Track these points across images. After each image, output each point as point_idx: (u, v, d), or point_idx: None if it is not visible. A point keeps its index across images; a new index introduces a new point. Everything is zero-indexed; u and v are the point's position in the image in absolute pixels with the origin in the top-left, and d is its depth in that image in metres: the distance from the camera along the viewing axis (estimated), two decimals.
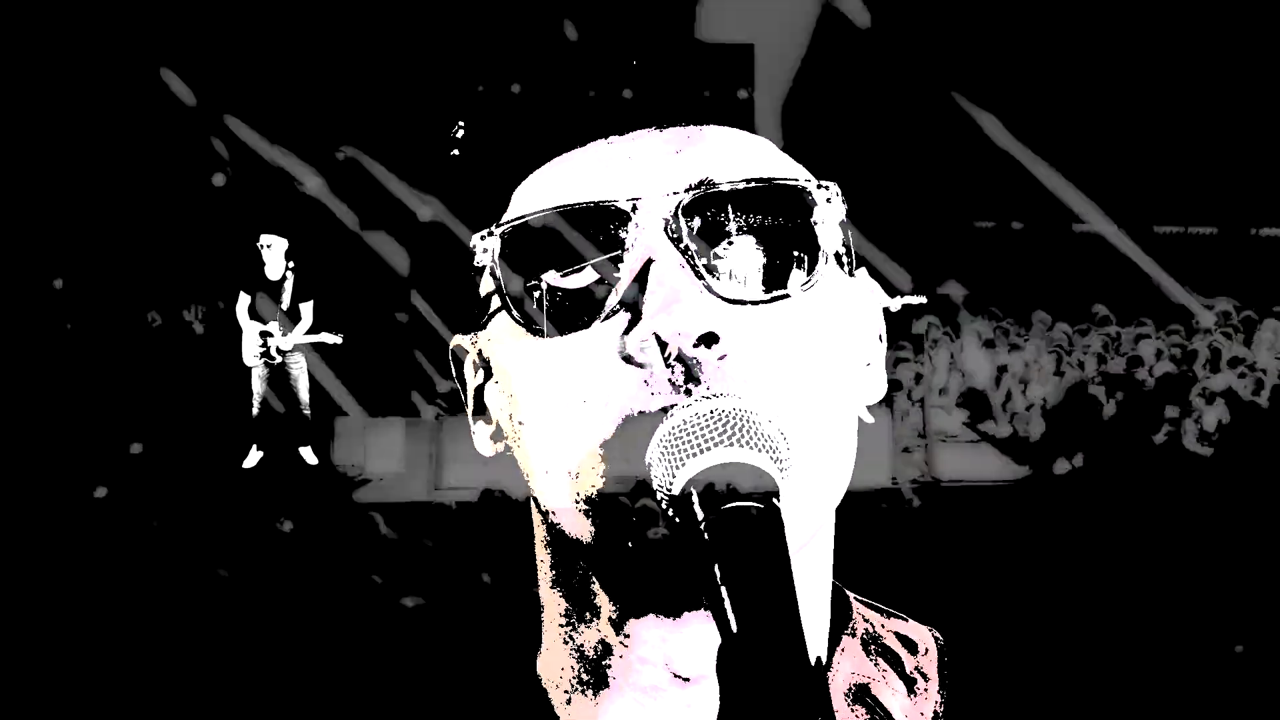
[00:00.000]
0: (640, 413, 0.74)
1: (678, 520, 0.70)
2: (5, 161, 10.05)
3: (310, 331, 9.06)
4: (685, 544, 0.70)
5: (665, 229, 0.76)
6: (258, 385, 9.14)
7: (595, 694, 0.83)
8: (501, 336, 0.81)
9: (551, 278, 0.77)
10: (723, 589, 0.66)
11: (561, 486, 0.78)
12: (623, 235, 0.76)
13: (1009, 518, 8.30)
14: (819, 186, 0.80)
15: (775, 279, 0.77)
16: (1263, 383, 10.20)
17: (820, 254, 0.79)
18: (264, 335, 9.04)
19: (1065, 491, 9.42)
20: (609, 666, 0.82)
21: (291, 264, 9.05)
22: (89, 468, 8.46)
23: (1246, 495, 8.36)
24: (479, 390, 0.88)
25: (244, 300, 9.06)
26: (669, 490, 0.71)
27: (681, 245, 0.76)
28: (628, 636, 0.81)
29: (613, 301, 0.76)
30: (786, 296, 0.77)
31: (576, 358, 0.76)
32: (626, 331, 0.75)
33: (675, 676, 0.81)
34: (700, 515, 0.69)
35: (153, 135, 10.58)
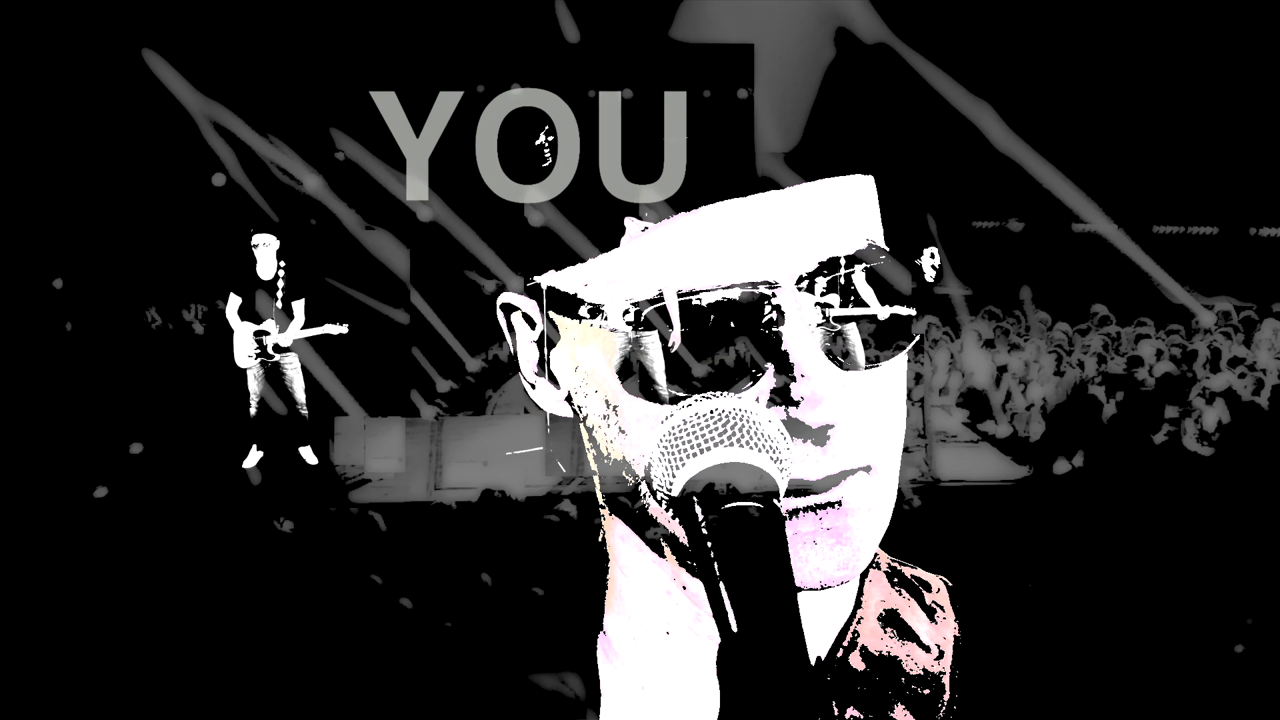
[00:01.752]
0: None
1: (678, 520, 0.71)
2: (5, 161, 10.05)
3: (308, 326, 9.04)
4: (685, 544, 0.70)
5: (799, 314, 0.81)
6: (254, 386, 9.12)
7: (661, 643, 0.89)
8: (601, 362, 0.85)
9: (680, 351, 0.83)
10: (723, 589, 0.66)
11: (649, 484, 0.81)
12: (757, 314, 0.82)
13: (1009, 518, 8.30)
14: (928, 252, 0.88)
15: (878, 344, 0.86)
16: (1263, 383, 10.20)
17: (919, 315, 0.87)
18: (259, 335, 9.02)
19: (1065, 491, 9.42)
20: (675, 618, 0.87)
21: (284, 263, 9.03)
22: (89, 468, 8.46)
23: (1246, 495, 8.36)
24: (542, 349, 0.92)
25: (234, 301, 9.03)
26: (669, 490, 0.71)
27: (814, 323, 0.82)
28: (694, 596, 0.85)
29: (744, 381, 0.81)
30: (890, 359, 0.85)
31: None
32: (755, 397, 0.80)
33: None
34: (700, 515, 0.69)
35: (153, 135, 10.58)
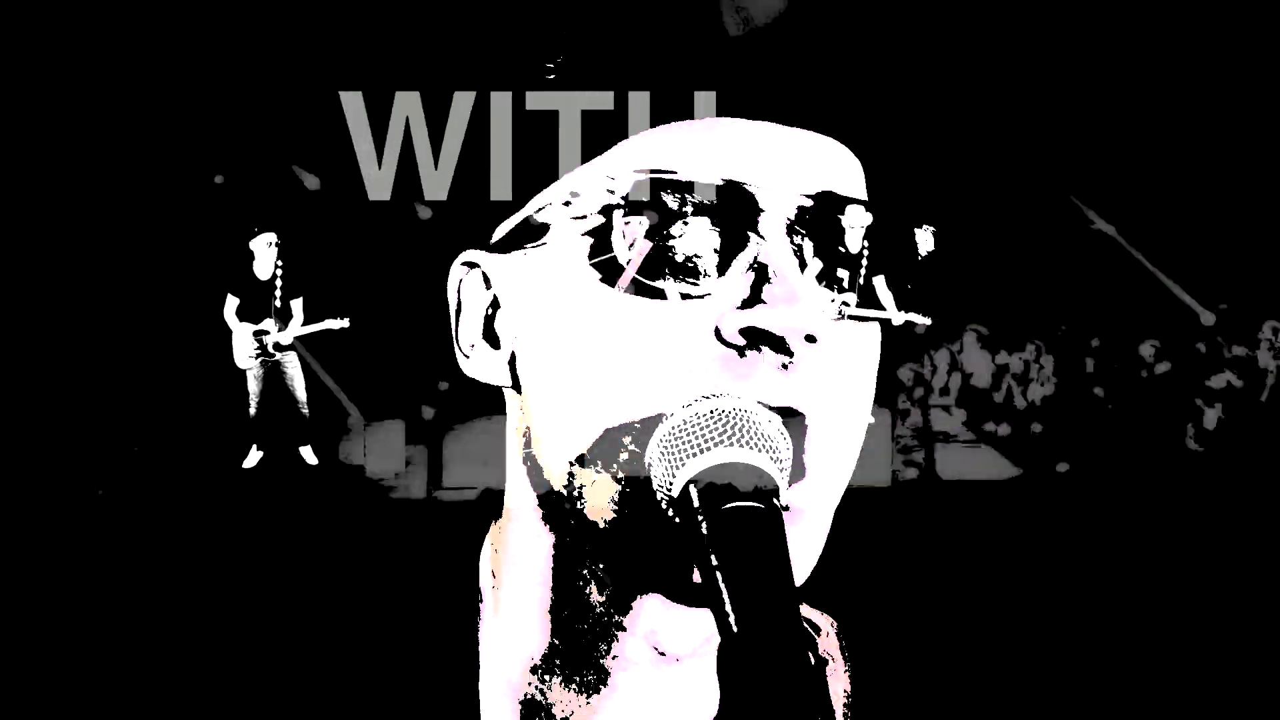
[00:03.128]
0: (713, 391, 0.74)
1: (678, 520, 0.71)
2: (5, 161, 10.05)
3: (308, 323, 9.04)
4: (685, 544, 0.70)
5: (788, 224, 0.77)
6: (253, 386, 9.12)
7: (587, 675, 0.83)
8: (565, 274, 0.79)
9: (662, 237, 0.76)
10: (723, 589, 0.66)
11: (586, 439, 0.77)
12: (742, 216, 0.76)
13: (1009, 517, 8.30)
14: (924, 227, 0.86)
15: (861, 300, 0.82)
16: (1263, 383, 10.20)
17: (907, 286, 0.85)
18: (259, 334, 9.02)
19: (1065, 491, 9.42)
20: (607, 646, 0.82)
21: (281, 263, 9.02)
22: (89, 468, 8.46)
23: (1246, 495, 8.36)
24: (489, 312, 0.86)
25: (232, 302, 9.02)
26: (669, 490, 0.71)
27: (799, 244, 0.78)
28: (624, 613, 0.81)
29: (717, 278, 0.76)
30: (868, 320, 0.82)
31: (668, 322, 0.76)
32: (734, 312, 0.75)
33: (660, 655, 0.81)
34: (700, 515, 0.69)
35: (152, 135, 10.57)
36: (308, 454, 9.21)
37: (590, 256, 0.77)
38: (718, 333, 0.75)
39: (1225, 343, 10.73)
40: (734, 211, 0.76)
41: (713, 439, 0.71)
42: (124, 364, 9.86)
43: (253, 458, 9.20)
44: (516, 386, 0.84)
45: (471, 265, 0.87)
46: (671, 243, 0.76)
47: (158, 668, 0.95)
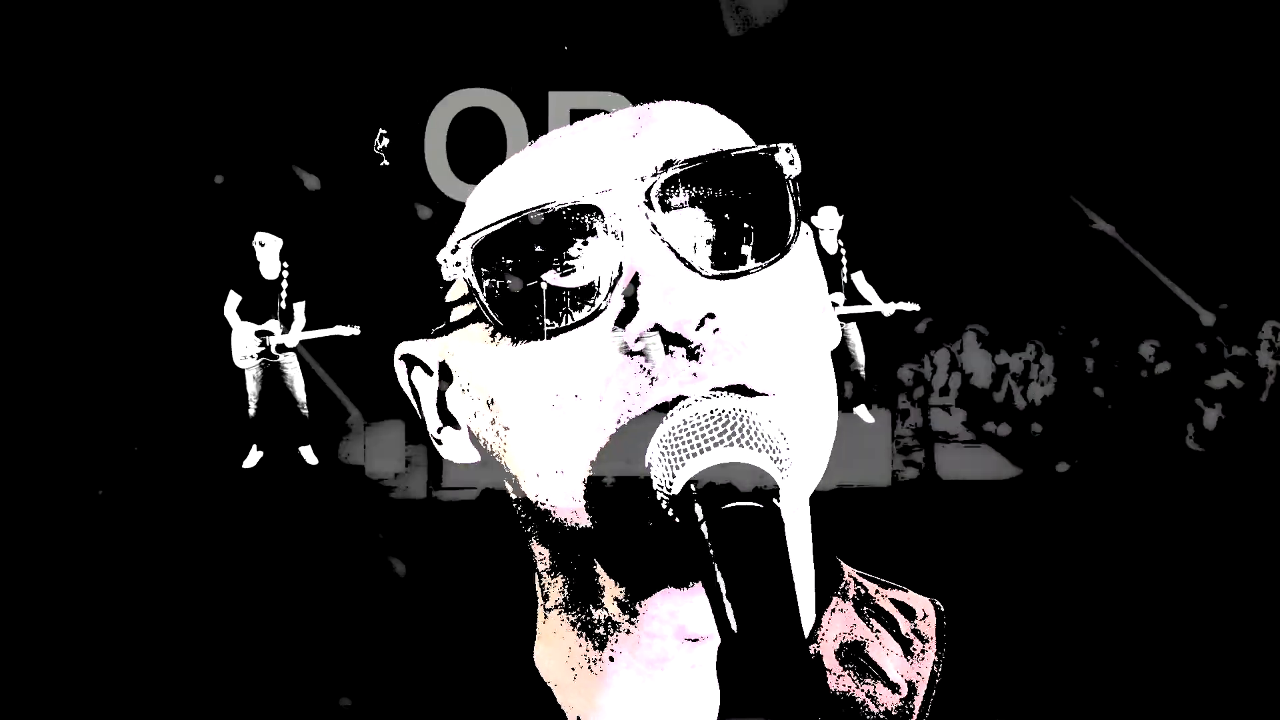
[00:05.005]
0: (644, 404, 0.75)
1: (678, 520, 0.71)
2: (5, 162, 10.05)
3: (318, 327, 9.04)
4: (685, 544, 0.70)
5: (640, 216, 0.76)
6: (253, 386, 9.12)
7: (599, 672, 0.83)
8: (474, 344, 0.81)
9: (529, 281, 0.76)
10: (723, 589, 0.66)
11: (560, 484, 0.78)
12: (597, 228, 0.76)
13: (1009, 517, 8.29)
14: (780, 150, 0.80)
15: (752, 248, 0.78)
16: (1263, 383, 10.20)
17: (790, 217, 0.79)
18: (262, 334, 9.02)
19: (1065, 491, 9.41)
20: (616, 643, 0.83)
21: (286, 264, 9.02)
22: (89, 468, 8.46)
23: (1246, 495, 8.36)
24: (440, 397, 0.88)
25: (233, 300, 9.02)
26: (669, 490, 0.71)
27: (658, 230, 0.76)
28: (636, 614, 0.82)
29: (600, 298, 0.76)
30: (767, 264, 0.79)
31: (568, 357, 0.76)
32: (622, 324, 0.75)
33: (686, 640, 0.82)
34: (700, 515, 0.69)
35: (152, 135, 10.57)
36: (308, 454, 9.20)
37: (485, 327, 0.79)
38: (624, 347, 0.75)
39: (1225, 343, 10.73)
40: (588, 227, 0.76)
41: (713, 439, 0.71)
42: (124, 364, 9.86)
43: (253, 458, 9.20)
44: (485, 455, 0.85)
45: (410, 359, 0.90)
46: (544, 282, 0.76)
47: (158, 667, 0.95)
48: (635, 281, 0.75)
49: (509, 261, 0.75)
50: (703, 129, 0.80)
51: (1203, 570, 5.95)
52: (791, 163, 0.80)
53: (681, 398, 0.74)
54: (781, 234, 0.79)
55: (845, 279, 9.84)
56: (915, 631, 0.89)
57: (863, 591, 0.90)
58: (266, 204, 9.89)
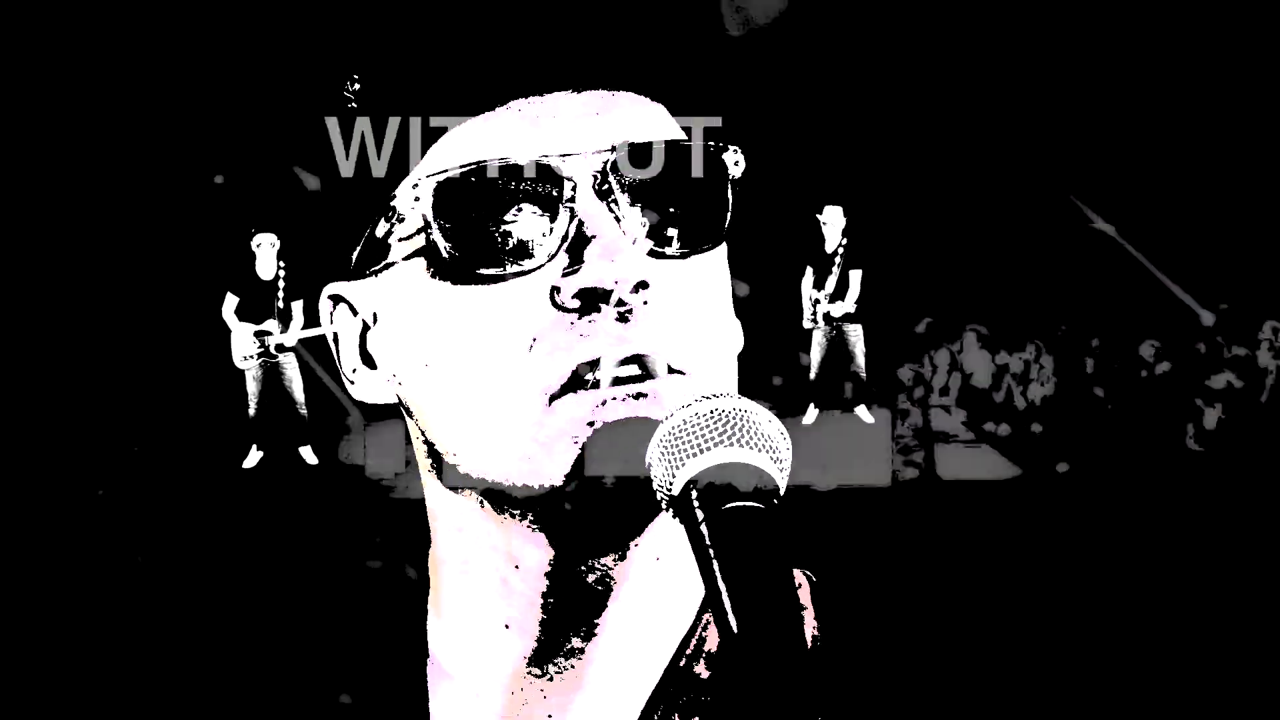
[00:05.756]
0: (569, 361, 0.78)
1: (678, 520, 0.71)
2: (5, 162, 10.05)
3: (308, 327, 9.04)
4: (688, 543, 0.70)
5: (595, 185, 0.80)
6: (252, 386, 9.13)
7: (494, 642, 0.86)
8: (412, 283, 0.83)
9: (481, 226, 0.80)
10: (723, 589, 0.66)
11: (472, 428, 0.81)
12: (552, 190, 0.79)
13: (1009, 517, 8.30)
14: (728, 150, 0.85)
15: (688, 235, 0.83)
16: (1263, 383, 10.21)
17: (726, 212, 0.85)
18: (261, 335, 9.03)
19: (1065, 491, 9.42)
20: (513, 610, 0.85)
21: (283, 264, 9.03)
22: (89, 468, 8.46)
23: (1246, 495, 8.37)
24: (362, 337, 0.90)
25: (231, 301, 9.03)
26: (669, 490, 0.72)
27: (610, 200, 0.80)
28: (536, 580, 0.83)
29: (544, 252, 0.79)
30: (698, 251, 0.83)
31: (504, 304, 0.80)
32: (563, 279, 0.78)
33: (621, 605, 0.84)
34: (700, 515, 0.69)
35: (152, 135, 10.58)
36: (308, 454, 9.21)
37: (427, 267, 0.81)
38: (554, 300, 0.78)
39: (1225, 343, 10.73)
40: (544, 186, 0.79)
41: (713, 439, 0.71)
42: (124, 364, 9.87)
43: (253, 458, 9.21)
44: (401, 403, 0.88)
45: (337, 298, 0.91)
46: (496, 229, 0.80)
47: (158, 667, 0.95)
48: (581, 241, 0.78)
49: (465, 205, 0.79)
50: (659, 123, 0.85)
51: (1203, 570, 5.96)
52: (736, 164, 0.85)
53: (597, 361, 0.77)
54: (717, 227, 0.84)
55: (836, 279, 9.86)
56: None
57: None
58: (264, 204, 9.90)
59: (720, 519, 0.69)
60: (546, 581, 0.83)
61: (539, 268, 0.79)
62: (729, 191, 0.85)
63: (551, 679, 0.85)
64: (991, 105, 11.68)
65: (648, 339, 0.78)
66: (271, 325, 9.03)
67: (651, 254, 0.81)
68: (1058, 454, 9.96)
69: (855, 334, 9.96)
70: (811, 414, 10.04)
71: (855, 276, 9.88)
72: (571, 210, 0.79)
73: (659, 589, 0.86)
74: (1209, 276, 11.60)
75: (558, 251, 0.79)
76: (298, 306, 9.07)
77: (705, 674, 0.87)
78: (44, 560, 6.29)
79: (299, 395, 9.15)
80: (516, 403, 0.79)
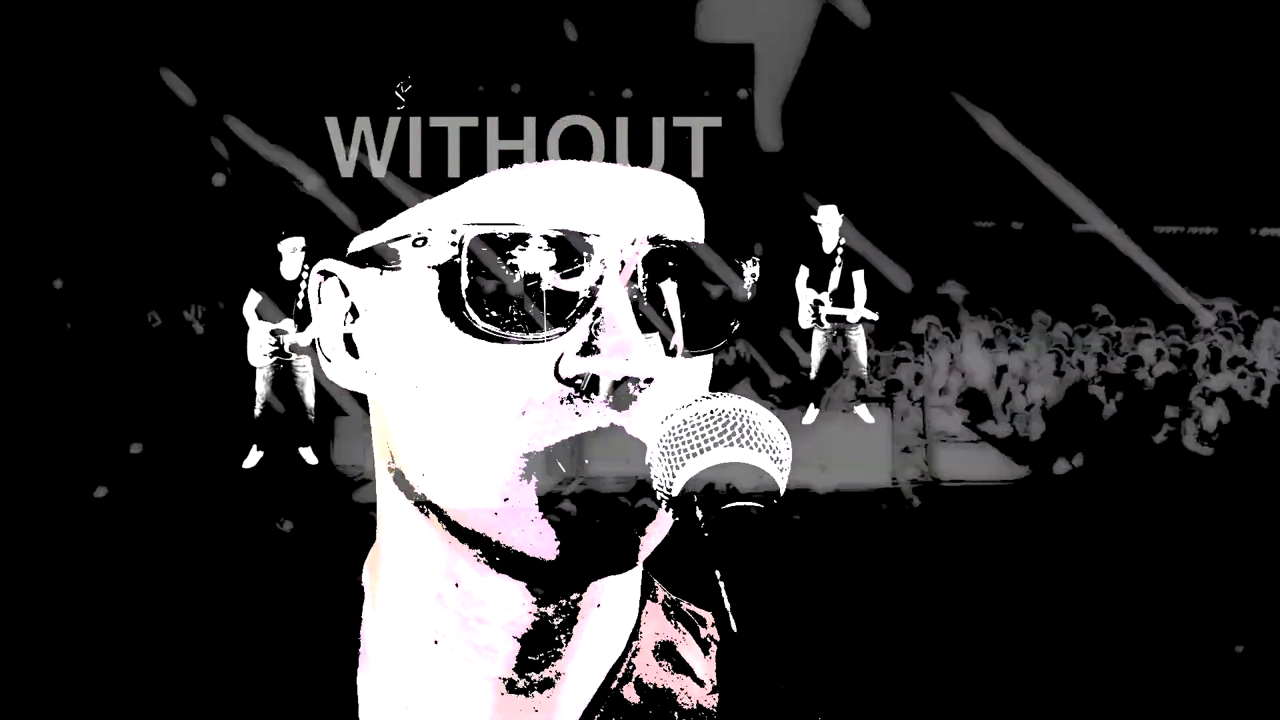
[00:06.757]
0: (559, 433, 0.79)
1: (678, 520, 0.71)
2: (5, 161, 10.05)
3: None
4: (687, 543, 0.70)
5: (622, 273, 0.80)
6: (261, 386, 9.14)
7: (424, 651, 0.87)
8: (416, 304, 0.83)
9: (505, 292, 0.80)
10: (723, 589, 0.66)
11: (446, 461, 0.82)
12: (582, 266, 0.80)
13: (1009, 518, 8.30)
14: (748, 264, 0.87)
15: (696, 335, 0.84)
16: (1263, 383, 10.21)
17: (736, 321, 0.87)
18: (276, 334, 9.05)
19: (1065, 491, 9.42)
20: (444, 624, 0.86)
21: (308, 266, 9.09)
22: (89, 468, 8.47)
23: (1246, 495, 8.37)
24: (346, 322, 0.90)
25: (253, 299, 9.06)
26: (669, 490, 0.71)
27: (634, 293, 0.80)
28: (476, 599, 0.85)
29: (559, 326, 0.80)
30: (705, 353, 0.86)
31: (508, 364, 0.80)
32: (571, 358, 0.79)
33: (515, 639, 0.85)
34: (700, 515, 0.69)
35: (153, 135, 10.58)
36: (308, 454, 9.22)
37: (439, 294, 0.81)
38: (557, 373, 0.79)
39: (1225, 343, 10.74)
40: (570, 260, 0.80)
41: (713, 439, 0.71)
42: (123, 363, 9.87)
43: (253, 458, 9.21)
44: (373, 400, 0.89)
45: (327, 274, 0.91)
46: (520, 295, 0.80)
47: (158, 667, 0.95)
48: (598, 327, 0.79)
49: (499, 264, 0.79)
50: (689, 212, 0.87)
51: (1203, 569, 5.95)
52: (752, 275, 0.87)
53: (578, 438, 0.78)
54: (722, 330, 0.86)
55: (837, 280, 9.84)
56: (710, 637, 0.96)
57: (668, 598, 0.98)
58: (288, 206, 9.91)
59: (720, 519, 0.69)
60: (483, 604, 0.84)
61: (549, 339, 0.80)
62: (742, 301, 0.87)
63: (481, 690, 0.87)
64: (991, 105, 11.68)
65: (638, 427, 0.79)
66: (287, 325, 9.06)
67: (665, 349, 0.82)
68: (1058, 454, 9.96)
69: (855, 334, 9.94)
70: (811, 414, 10.03)
71: (859, 278, 9.85)
72: (595, 293, 0.80)
73: (595, 629, 0.88)
74: (1209, 276, 11.61)
75: (572, 330, 0.80)
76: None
77: (635, 699, 0.89)
78: (44, 560, 6.29)
79: (309, 399, 9.17)
80: (495, 459, 0.79)
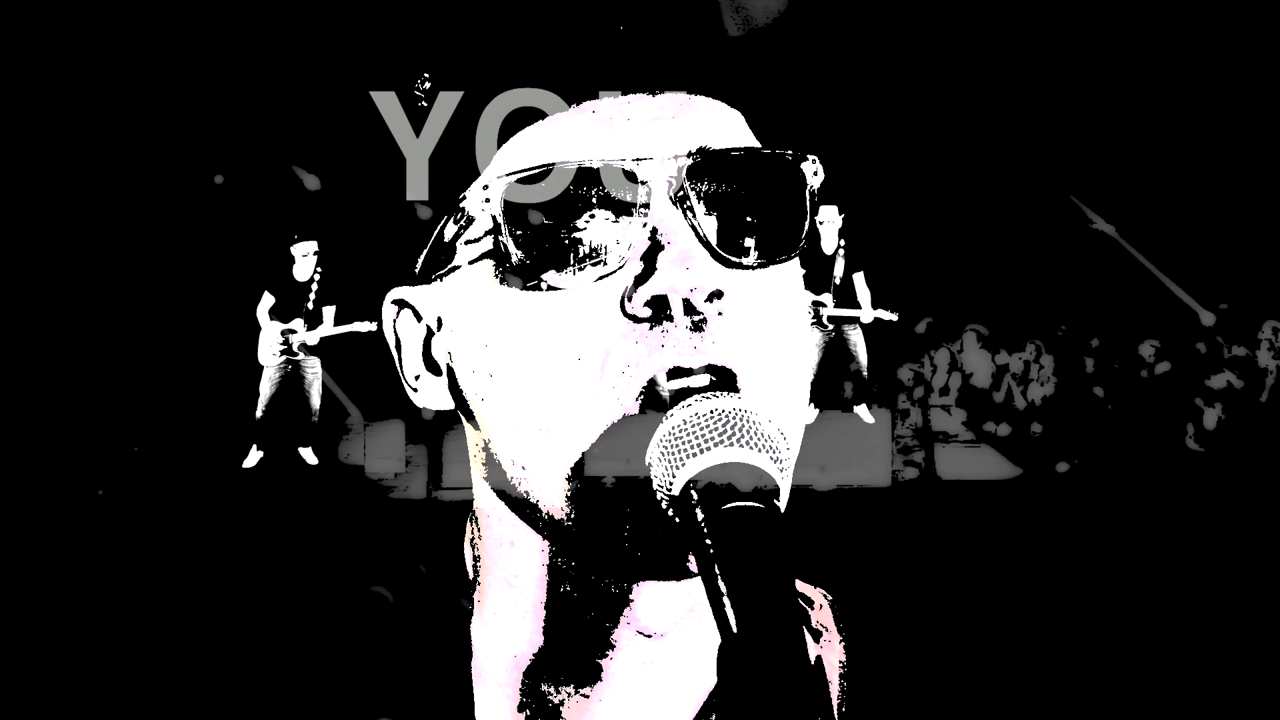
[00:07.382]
0: (643, 374, 0.75)
1: (678, 520, 0.71)
2: (5, 161, 10.05)
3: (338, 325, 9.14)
4: (686, 543, 0.70)
5: (670, 191, 0.77)
6: (266, 388, 9.16)
7: (577, 669, 0.84)
8: (479, 286, 0.81)
9: (553, 229, 0.77)
10: (723, 589, 0.66)
11: (538, 442, 0.78)
12: (625, 195, 0.77)
13: (1009, 517, 8.29)
14: (807, 159, 0.83)
15: (764, 245, 0.80)
16: (1263, 383, 10.20)
17: (803, 223, 0.82)
18: (286, 332, 9.09)
19: (1065, 491, 9.42)
20: (566, 628, 0.84)
21: (320, 269, 9.13)
22: (89, 468, 8.46)
23: (1246, 495, 8.36)
24: (426, 344, 0.88)
25: (267, 300, 9.12)
26: (669, 490, 0.71)
27: (686, 207, 0.77)
28: (592, 599, 0.82)
29: (615, 258, 0.77)
30: (775, 262, 0.80)
31: (576, 313, 0.77)
32: (636, 286, 0.76)
33: (644, 636, 0.83)
34: (700, 515, 0.69)
35: (153, 135, 10.57)
36: (308, 455, 9.22)
37: (495, 271, 0.79)
38: (624, 309, 0.76)
39: (1225, 343, 10.73)
40: (618, 190, 0.77)
41: (713, 439, 0.71)
42: (124, 363, 9.86)
43: (253, 458, 9.21)
44: (462, 406, 0.86)
45: (401, 303, 0.89)
46: (567, 234, 0.77)
47: (158, 667, 0.95)
48: (655, 247, 0.76)
49: (536, 208, 0.77)
50: (735, 129, 0.83)
51: (1202, 569, 5.95)
52: (815, 174, 0.82)
53: (677, 369, 0.75)
54: (794, 237, 0.81)
55: (839, 279, 9.84)
56: (821, 623, 0.91)
57: None
58: (260, 204, 9.91)
59: (720, 519, 0.68)
60: (589, 609, 0.83)
61: (610, 274, 0.77)
62: (807, 202, 0.82)
63: (569, 707, 0.85)
64: (991, 106, 11.68)
65: (723, 351, 0.76)
66: (297, 325, 9.09)
67: (727, 263, 0.78)
68: (1058, 454, 9.95)
69: (855, 334, 9.94)
70: (811, 414, 10.03)
71: (859, 280, 9.85)
72: (645, 216, 0.77)
73: (684, 652, 0.85)
74: (1209, 276, 11.60)
75: (630, 258, 0.77)
76: (329, 311, 9.16)
77: None
78: (44, 560, 6.28)
79: (315, 399, 9.19)
80: (591, 428, 0.76)
